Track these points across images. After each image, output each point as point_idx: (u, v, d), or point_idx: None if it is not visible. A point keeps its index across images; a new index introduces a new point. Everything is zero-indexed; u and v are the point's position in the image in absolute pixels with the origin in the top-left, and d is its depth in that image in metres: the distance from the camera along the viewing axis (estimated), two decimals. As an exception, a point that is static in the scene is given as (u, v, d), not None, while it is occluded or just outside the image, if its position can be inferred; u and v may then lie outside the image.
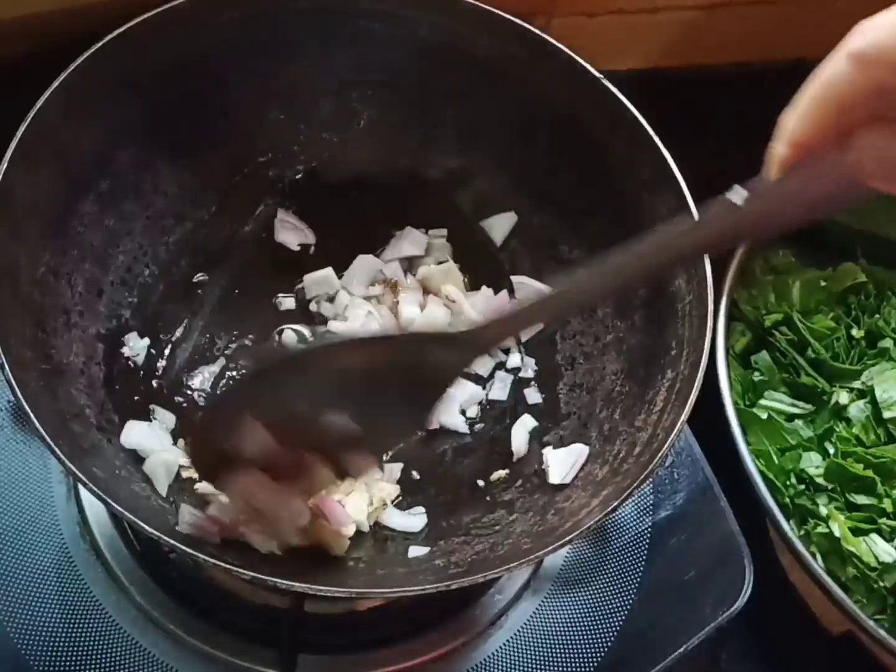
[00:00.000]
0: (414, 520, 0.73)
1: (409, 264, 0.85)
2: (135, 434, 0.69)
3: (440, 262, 0.84)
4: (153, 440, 0.69)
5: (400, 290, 0.82)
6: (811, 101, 0.39)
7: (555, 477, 0.71)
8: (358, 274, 0.83)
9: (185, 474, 0.70)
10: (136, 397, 0.73)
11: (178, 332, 0.78)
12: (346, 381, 0.52)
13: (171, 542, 0.53)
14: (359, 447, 0.57)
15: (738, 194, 0.41)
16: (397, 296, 0.82)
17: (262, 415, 0.54)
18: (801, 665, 0.89)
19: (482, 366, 0.81)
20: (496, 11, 0.73)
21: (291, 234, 0.83)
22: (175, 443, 0.72)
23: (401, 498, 0.75)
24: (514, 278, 0.83)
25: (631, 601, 0.77)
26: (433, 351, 0.51)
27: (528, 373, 0.82)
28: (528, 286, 0.82)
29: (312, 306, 0.82)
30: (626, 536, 0.80)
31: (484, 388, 0.81)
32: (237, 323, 0.81)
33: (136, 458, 0.68)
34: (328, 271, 0.82)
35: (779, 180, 0.41)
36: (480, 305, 0.82)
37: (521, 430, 0.78)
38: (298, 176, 0.84)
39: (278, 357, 0.58)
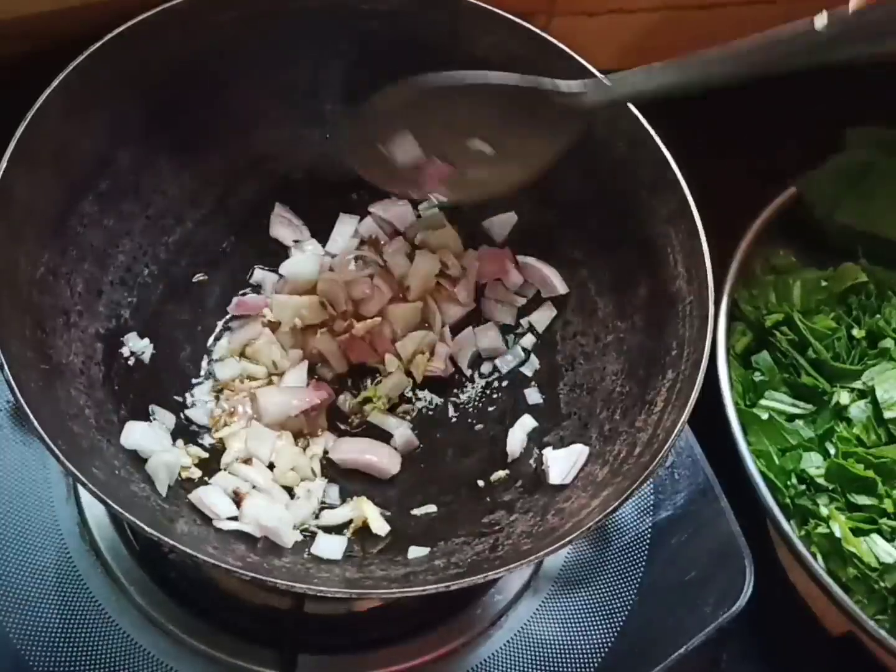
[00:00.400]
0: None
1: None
2: (135, 434, 0.68)
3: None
4: (153, 441, 0.69)
5: (383, 246, 0.84)
6: None
7: (555, 477, 0.71)
8: (339, 236, 0.85)
9: (184, 475, 0.70)
10: (134, 397, 0.73)
11: (178, 332, 0.79)
12: (484, 113, 0.60)
13: (171, 542, 0.53)
14: (488, 167, 0.64)
15: (820, 20, 0.44)
16: (382, 250, 0.84)
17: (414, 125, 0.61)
18: (802, 665, 0.89)
19: (509, 315, 0.84)
20: (496, 11, 0.73)
21: (287, 229, 0.84)
22: (175, 443, 0.72)
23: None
24: (520, 258, 0.83)
25: (631, 601, 0.77)
26: (558, 103, 0.58)
27: (529, 372, 0.82)
28: (533, 267, 0.82)
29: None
30: (627, 537, 0.80)
31: (505, 343, 0.83)
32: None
33: (136, 458, 0.68)
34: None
35: (860, 11, 0.41)
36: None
37: (520, 431, 0.78)
38: (298, 176, 0.84)
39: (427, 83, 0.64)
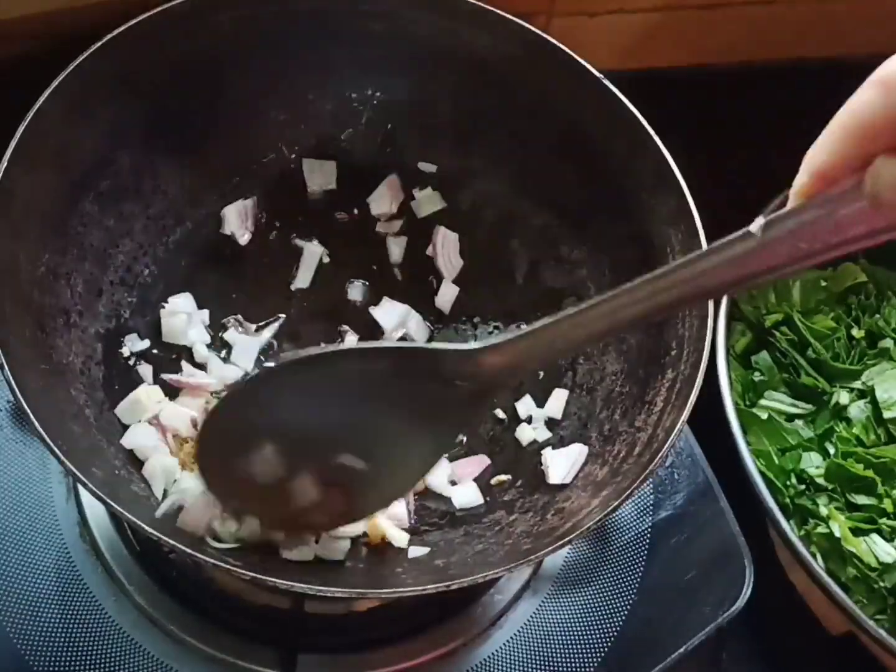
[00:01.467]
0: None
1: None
2: (135, 436, 0.68)
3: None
4: (154, 442, 0.69)
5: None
6: (835, 130, 0.38)
7: (555, 477, 0.71)
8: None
9: (184, 485, 0.68)
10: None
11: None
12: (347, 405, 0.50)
13: (171, 542, 0.53)
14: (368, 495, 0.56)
15: (756, 224, 0.40)
16: None
17: (263, 435, 0.52)
18: (801, 665, 0.89)
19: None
20: (496, 11, 0.73)
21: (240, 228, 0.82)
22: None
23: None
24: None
25: (631, 601, 0.77)
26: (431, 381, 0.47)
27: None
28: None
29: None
30: (626, 537, 0.80)
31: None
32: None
33: (136, 458, 0.68)
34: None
35: (796, 207, 0.39)
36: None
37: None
38: (298, 176, 0.84)
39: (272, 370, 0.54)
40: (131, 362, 0.74)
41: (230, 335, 0.79)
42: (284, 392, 0.51)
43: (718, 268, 0.42)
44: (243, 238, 0.82)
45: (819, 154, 0.39)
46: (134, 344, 0.74)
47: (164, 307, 0.76)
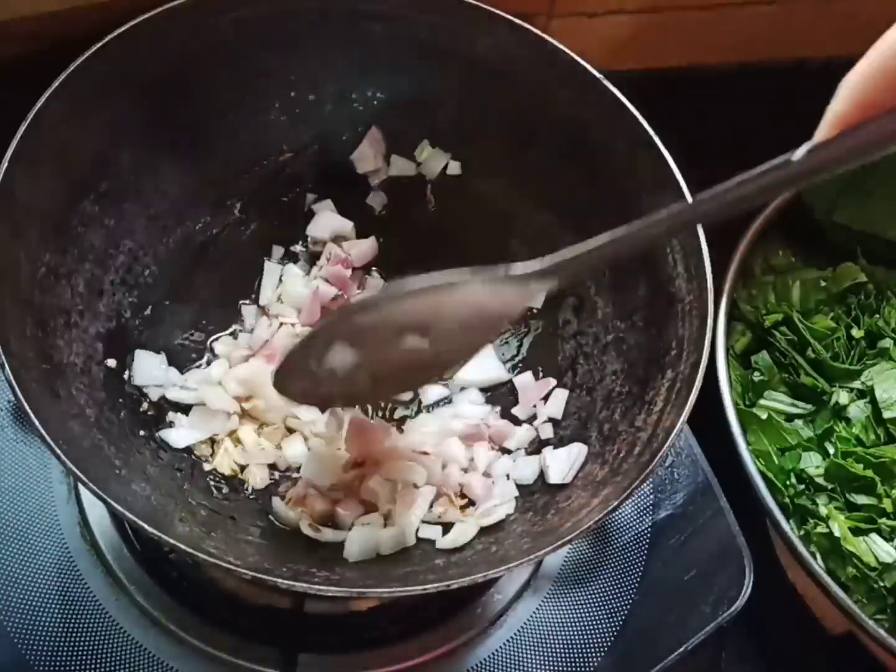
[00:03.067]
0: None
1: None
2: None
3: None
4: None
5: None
6: (879, 58, 0.38)
7: (555, 477, 0.71)
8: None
9: (207, 467, 0.72)
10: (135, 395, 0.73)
11: (179, 332, 0.79)
12: (417, 316, 0.58)
13: (171, 542, 0.53)
14: (427, 366, 0.62)
15: (797, 153, 0.42)
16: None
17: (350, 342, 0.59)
18: (801, 665, 0.89)
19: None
20: (496, 11, 0.73)
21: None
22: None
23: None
24: None
25: (631, 601, 0.77)
26: (490, 293, 0.56)
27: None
28: None
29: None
30: (626, 536, 0.80)
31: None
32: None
33: (136, 458, 0.68)
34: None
35: (837, 138, 0.41)
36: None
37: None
38: (298, 175, 0.84)
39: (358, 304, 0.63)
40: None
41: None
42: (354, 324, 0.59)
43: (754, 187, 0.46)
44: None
45: (863, 84, 0.39)
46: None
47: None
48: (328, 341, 0.60)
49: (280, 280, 0.83)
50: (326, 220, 0.84)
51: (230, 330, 0.81)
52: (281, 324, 0.80)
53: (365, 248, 0.84)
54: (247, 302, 0.82)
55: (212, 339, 0.80)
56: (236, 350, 0.78)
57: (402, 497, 0.72)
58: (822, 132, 0.41)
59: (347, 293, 0.82)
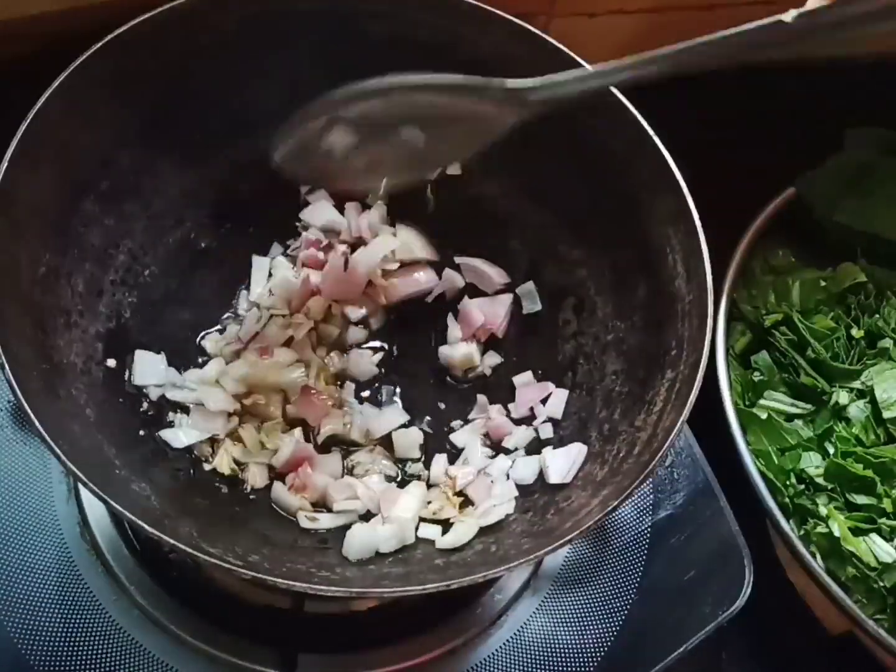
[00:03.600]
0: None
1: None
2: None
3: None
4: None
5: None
6: None
7: (555, 477, 0.71)
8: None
9: (207, 467, 0.72)
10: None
11: (178, 332, 0.79)
12: (415, 109, 0.62)
13: (171, 542, 0.53)
14: (420, 158, 0.66)
15: (788, 14, 0.45)
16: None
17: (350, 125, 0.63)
18: (801, 665, 0.89)
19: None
20: (496, 11, 0.73)
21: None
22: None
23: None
24: (457, 259, 0.84)
25: (631, 601, 0.77)
26: (485, 100, 0.61)
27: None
28: (469, 265, 0.84)
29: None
30: (626, 536, 0.80)
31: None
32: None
33: (136, 458, 0.68)
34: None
35: (831, 6, 0.43)
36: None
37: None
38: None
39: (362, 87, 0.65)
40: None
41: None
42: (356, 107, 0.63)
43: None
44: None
45: None
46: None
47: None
48: (331, 121, 0.62)
49: (270, 274, 0.83)
50: (321, 211, 0.84)
51: (216, 322, 0.81)
52: (271, 315, 0.80)
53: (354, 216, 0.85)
54: (244, 290, 0.82)
55: (199, 337, 0.79)
56: (227, 345, 0.78)
57: (385, 495, 0.73)
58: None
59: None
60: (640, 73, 0.56)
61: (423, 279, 0.84)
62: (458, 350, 0.81)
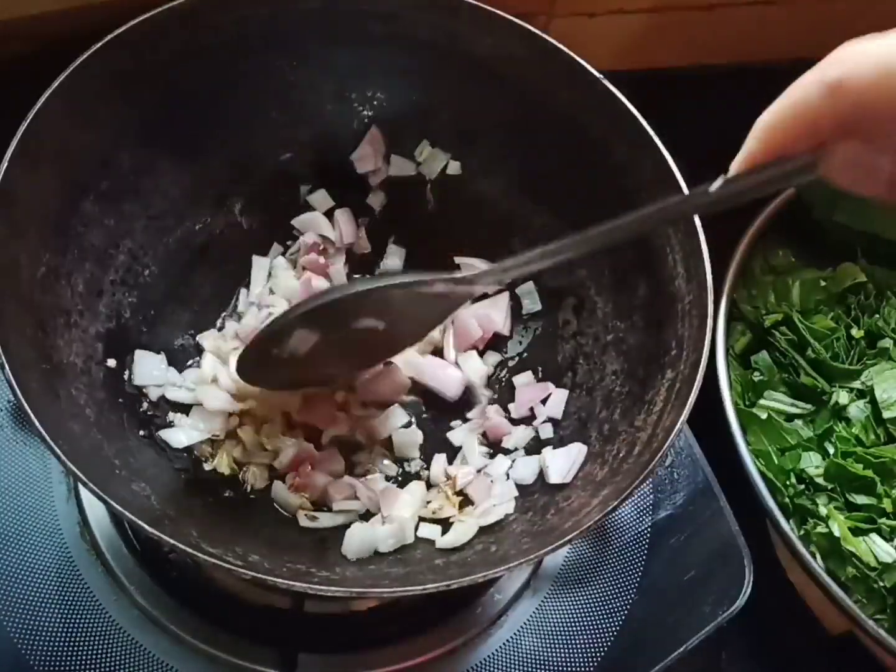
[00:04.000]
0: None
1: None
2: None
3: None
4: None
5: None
6: (785, 112, 0.43)
7: (555, 477, 0.71)
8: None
9: (207, 467, 0.72)
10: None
11: (178, 332, 0.79)
12: (373, 307, 0.65)
13: (171, 541, 0.53)
14: (383, 347, 0.71)
15: (714, 184, 0.49)
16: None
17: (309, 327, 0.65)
18: (801, 665, 0.89)
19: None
20: (496, 11, 0.73)
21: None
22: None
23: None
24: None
25: (631, 601, 0.77)
26: (439, 288, 0.63)
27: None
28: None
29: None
30: (626, 536, 0.80)
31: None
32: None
33: (136, 458, 0.68)
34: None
35: (746, 173, 0.47)
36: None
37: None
38: (298, 175, 0.84)
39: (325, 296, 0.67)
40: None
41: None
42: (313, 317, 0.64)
43: (679, 209, 0.56)
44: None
45: (771, 128, 0.44)
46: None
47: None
48: (290, 329, 0.65)
49: (270, 274, 0.83)
50: (312, 221, 0.84)
51: (217, 320, 0.81)
52: (270, 313, 0.80)
53: (345, 222, 0.84)
54: (243, 289, 0.83)
55: (198, 336, 0.79)
56: (224, 343, 0.78)
57: (385, 494, 0.73)
58: (735, 166, 0.47)
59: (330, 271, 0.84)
60: (541, 264, 0.60)
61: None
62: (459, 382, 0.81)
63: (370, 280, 0.66)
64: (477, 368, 0.82)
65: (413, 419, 0.80)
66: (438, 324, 0.72)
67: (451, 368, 0.81)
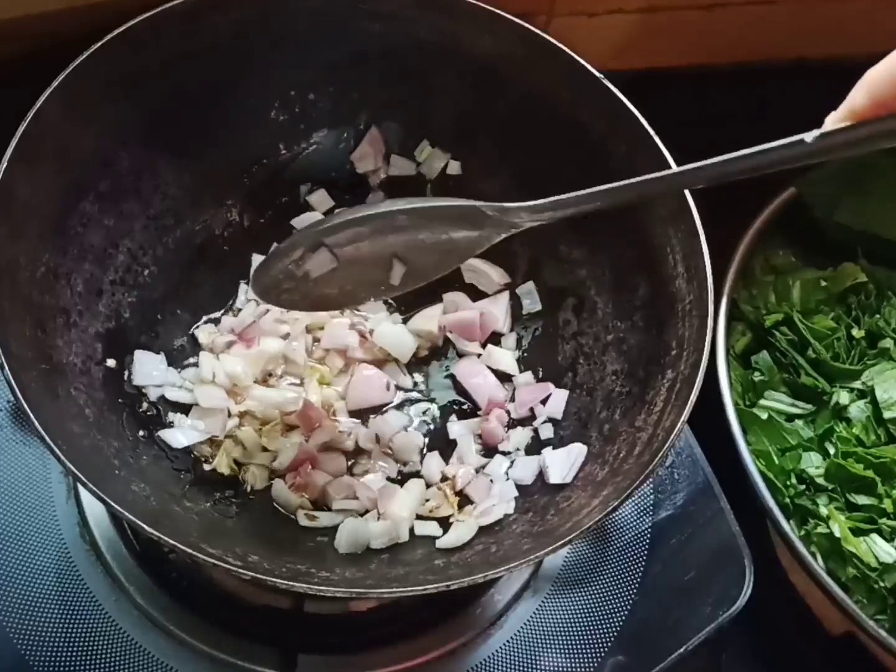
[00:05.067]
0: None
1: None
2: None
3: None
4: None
5: None
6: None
7: (555, 477, 0.71)
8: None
9: (207, 467, 0.72)
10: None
11: (178, 332, 0.79)
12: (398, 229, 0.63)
13: (171, 542, 0.53)
14: (407, 274, 0.67)
15: (809, 135, 0.46)
16: None
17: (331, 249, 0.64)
18: (801, 665, 0.89)
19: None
20: (496, 11, 0.73)
21: None
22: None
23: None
24: (445, 296, 0.84)
25: (631, 601, 0.77)
26: (466, 223, 0.62)
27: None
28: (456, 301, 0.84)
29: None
30: (627, 536, 0.80)
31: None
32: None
33: (136, 458, 0.68)
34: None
35: (849, 127, 0.44)
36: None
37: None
38: (298, 175, 0.84)
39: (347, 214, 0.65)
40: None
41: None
42: (344, 229, 0.63)
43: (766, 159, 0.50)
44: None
45: (880, 84, 0.42)
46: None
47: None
48: (312, 247, 0.63)
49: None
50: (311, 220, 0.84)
51: (214, 316, 0.81)
52: (267, 309, 0.80)
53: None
54: (243, 284, 0.82)
55: (193, 328, 0.79)
56: (219, 337, 0.78)
57: (383, 492, 0.73)
58: (836, 119, 0.44)
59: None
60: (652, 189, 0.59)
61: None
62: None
63: (395, 202, 0.62)
64: (499, 359, 0.82)
65: (413, 420, 0.80)
66: (454, 265, 0.68)
67: (492, 379, 0.81)
